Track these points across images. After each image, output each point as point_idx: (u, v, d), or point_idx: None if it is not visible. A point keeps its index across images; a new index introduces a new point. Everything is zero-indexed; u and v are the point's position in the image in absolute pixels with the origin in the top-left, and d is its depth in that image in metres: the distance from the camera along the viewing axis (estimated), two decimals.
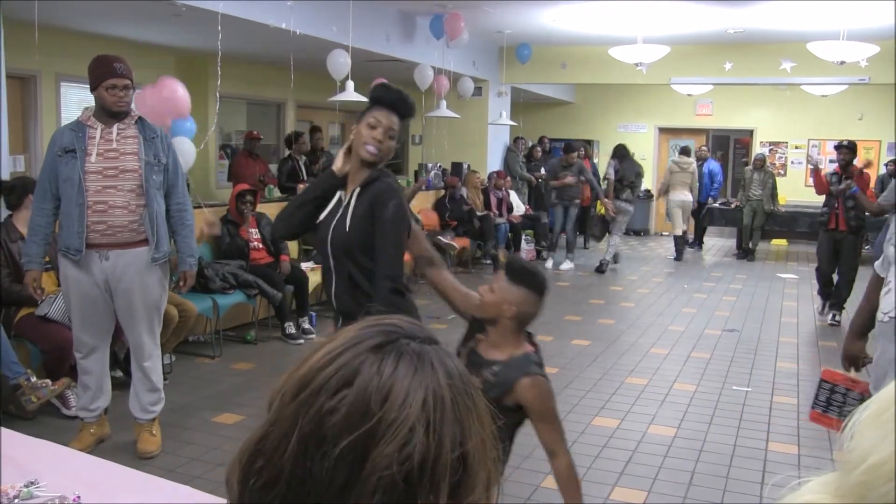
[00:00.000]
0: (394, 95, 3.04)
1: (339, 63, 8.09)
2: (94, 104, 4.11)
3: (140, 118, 4.17)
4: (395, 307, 2.80)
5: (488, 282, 2.59)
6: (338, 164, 3.04)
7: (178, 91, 6.05)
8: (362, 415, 0.79)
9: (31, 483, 2.06)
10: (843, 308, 8.12)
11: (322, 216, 3.04)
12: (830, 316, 8.14)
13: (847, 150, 8.06)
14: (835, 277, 8.27)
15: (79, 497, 1.99)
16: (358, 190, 2.99)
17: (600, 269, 11.13)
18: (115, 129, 4.05)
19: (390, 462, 0.77)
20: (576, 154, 11.32)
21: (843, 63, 9.30)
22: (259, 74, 11.14)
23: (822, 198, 8.47)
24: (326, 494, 0.78)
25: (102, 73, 4.02)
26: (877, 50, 9.20)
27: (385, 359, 0.83)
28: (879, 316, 2.66)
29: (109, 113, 4.04)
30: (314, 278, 7.41)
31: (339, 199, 3.04)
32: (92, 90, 4.06)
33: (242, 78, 11.00)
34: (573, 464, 2.43)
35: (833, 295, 8.20)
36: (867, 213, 7.94)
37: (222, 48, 7.27)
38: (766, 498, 3.93)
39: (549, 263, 11.29)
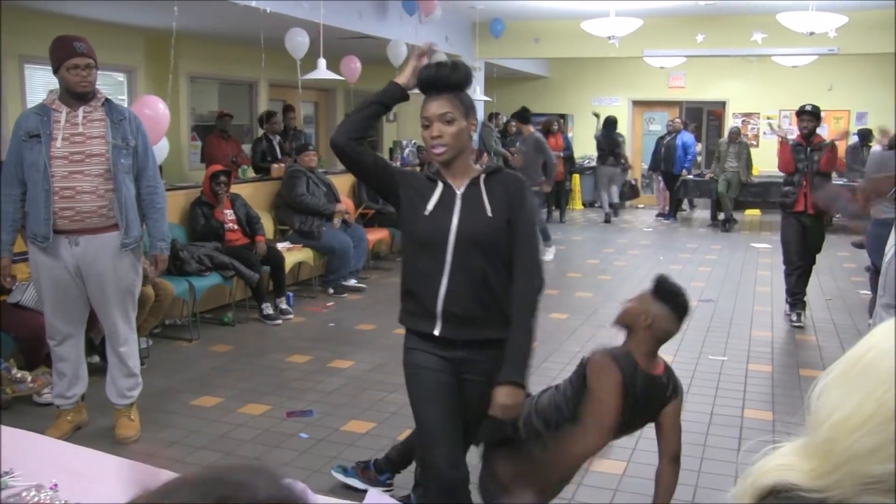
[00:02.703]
0: (424, 77, 2.67)
1: (298, 42, 8.03)
2: (59, 87, 4.05)
3: (107, 100, 4.11)
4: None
5: None
6: (403, 79, 2.74)
7: (160, 109, 5.94)
8: None
9: (7, 473, 2.04)
10: (806, 305, 7.05)
11: (429, 208, 2.65)
12: (795, 316, 6.91)
13: (811, 115, 6.79)
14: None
15: (56, 485, 1.97)
16: (483, 178, 2.68)
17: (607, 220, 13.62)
18: (80, 112, 3.99)
19: None
20: (533, 127, 10.55)
21: (812, 34, 9.37)
22: (230, 54, 11.02)
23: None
24: None
25: (63, 53, 3.95)
26: (845, 21, 9.27)
27: None
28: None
29: (74, 95, 3.97)
30: (290, 259, 7.39)
31: (446, 193, 2.68)
32: (54, 72, 3.99)
33: (213, 58, 10.89)
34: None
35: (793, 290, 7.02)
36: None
37: (192, 27, 7.20)
38: (741, 463, 3.97)
39: None
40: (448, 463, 2.68)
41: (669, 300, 2.73)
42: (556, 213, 13.77)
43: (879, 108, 13.87)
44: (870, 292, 6.80)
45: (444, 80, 2.63)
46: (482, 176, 2.68)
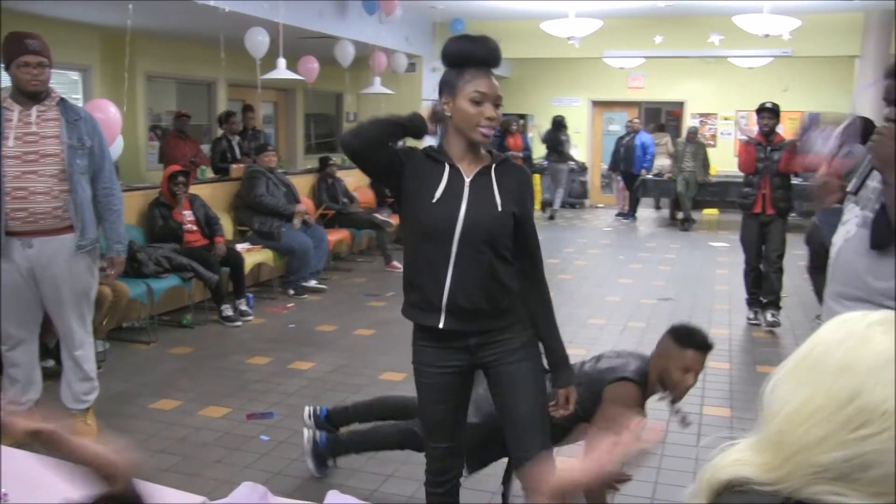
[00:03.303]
0: (486, 49, 2.50)
1: (258, 41, 7.97)
2: (11, 84, 3.97)
3: (62, 99, 4.04)
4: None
5: None
6: (431, 128, 2.57)
7: (111, 112, 5.85)
8: None
9: None
10: (780, 307, 6.91)
11: (436, 196, 2.50)
12: (768, 316, 6.78)
13: (771, 113, 6.73)
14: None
15: (6, 495, 1.93)
16: (494, 168, 2.56)
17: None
18: (34, 111, 3.92)
19: None
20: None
21: (767, 36, 9.53)
22: (188, 53, 10.90)
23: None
24: None
25: (14, 50, 3.87)
26: (799, 23, 9.44)
27: None
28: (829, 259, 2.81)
29: (26, 93, 3.90)
30: (250, 259, 7.33)
31: (453, 179, 2.54)
32: (6, 69, 3.92)
33: (171, 57, 10.76)
34: None
35: (765, 291, 6.88)
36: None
37: (149, 26, 7.11)
38: (699, 459, 4.01)
39: None
40: (443, 458, 2.75)
41: (680, 337, 2.99)
42: None
43: (834, 110, 14.10)
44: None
45: (494, 58, 2.51)
46: (493, 165, 2.57)
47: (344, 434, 3.86)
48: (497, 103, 2.48)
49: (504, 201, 2.53)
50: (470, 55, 2.48)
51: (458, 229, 2.49)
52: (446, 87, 2.51)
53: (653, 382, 3.02)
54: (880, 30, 10.59)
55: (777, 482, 0.92)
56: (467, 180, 2.53)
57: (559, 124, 14.33)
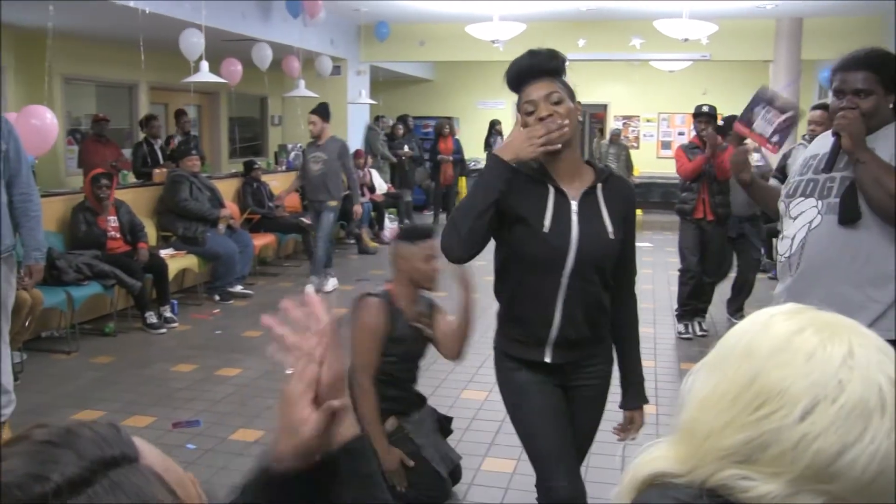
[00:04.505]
0: (517, 68, 2.39)
1: (192, 43, 7.84)
2: None
3: None
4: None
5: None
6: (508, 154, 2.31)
7: (47, 119, 5.68)
8: None
9: None
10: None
11: (546, 225, 2.30)
12: (682, 327, 6.71)
13: (708, 117, 6.45)
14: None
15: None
16: (600, 187, 2.38)
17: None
18: None
19: None
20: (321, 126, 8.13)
21: (686, 40, 9.78)
22: (107, 55, 10.65)
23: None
24: None
25: None
26: (716, 28, 9.71)
27: None
28: (776, 256, 2.89)
29: None
30: (174, 265, 7.21)
31: (559, 203, 2.34)
32: None
33: (90, 59, 10.51)
34: None
35: (705, 298, 6.77)
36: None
37: (67, 26, 6.92)
38: (626, 457, 4.09)
39: (310, 287, 7.94)
40: (569, 480, 2.47)
41: (408, 237, 3.22)
42: (442, 216, 13.86)
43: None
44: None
45: (540, 67, 2.36)
46: (599, 185, 2.39)
47: None
48: (553, 100, 2.28)
49: (615, 227, 2.37)
50: (517, 72, 2.39)
51: (570, 261, 2.32)
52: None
53: (404, 289, 3.23)
54: (790, 36, 10.98)
55: (690, 471, 0.95)
56: (574, 204, 2.34)
57: (491, 126, 14.35)
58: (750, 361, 0.93)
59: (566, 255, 2.31)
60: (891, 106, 2.64)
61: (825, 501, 0.86)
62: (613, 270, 2.43)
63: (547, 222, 2.30)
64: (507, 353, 2.51)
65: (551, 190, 2.34)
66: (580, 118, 2.38)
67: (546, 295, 2.36)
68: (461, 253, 2.30)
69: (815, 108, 6.10)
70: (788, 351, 0.91)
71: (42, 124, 5.65)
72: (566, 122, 2.27)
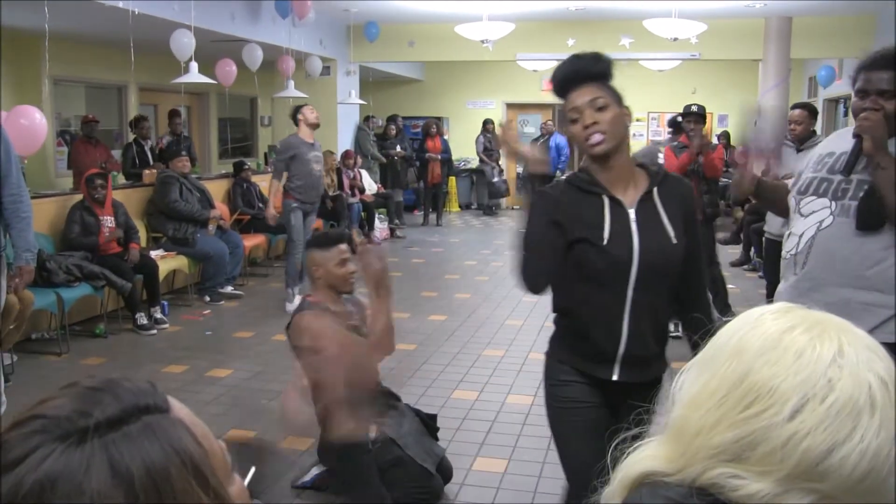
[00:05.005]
0: (563, 73, 2.33)
1: (183, 43, 7.83)
2: None
3: None
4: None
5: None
6: (536, 166, 2.39)
7: (36, 119, 5.66)
8: None
9: None
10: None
11: (605, 237, 2.23)
12: (672, 326, 6.42)
13: (697, 116, 6.44)
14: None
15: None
16: (656, 191, 2.30)
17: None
18: None
19: None
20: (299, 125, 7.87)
21: (675, 39, 9.83)
22: (98, 56, 10.63)
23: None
24: None
25: None
26: (705, 28, 9.76)
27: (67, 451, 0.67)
28: (783, 253, 2.85)
29: None
30: (164, 266, 7.20)
31: (616, 212, 2.26)
32: None
33: (80, 60, 10.47)
34: None
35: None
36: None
37: (56, 28, 6.90)
38: (612, 456, 4.10)
39: (289, 306, 7.30)
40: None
41: (320, 243, 3.36)
42: (432, 216, 13.89)
43: (741, 111, 14.56)
44: (733, 285, 7.14)
45: (585, 72, 2.29)
46: (655, 189, 2.30)
47: None
48: (598, 106, 2.24)
49: (676, 230, 2.28)
50: (563, 78, 2.33)
51: (634, 273, 2.24)
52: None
53: (325, 295, 3.36)
54: (780, 35, 11.02)
55: (681, 470, 0.95)
56: (631, 212, 2.27)
57: (485, 126, 14.57)
58: (740, 359, 0.94)
59: (629, 268, 2.24)
60: None
61: (815, 500, 0.87)
62: (682, 274, 2.35)
63: (605, 234, 2.23)
64: (572, 364, 2.41)
65: (606, 200, 2.27)
66: (628, 122, 2.33)
67: (612, 310, 2.28)
68: (541, 283, 2.39)
69: (795, 107, 6.12)
70: (778, 349, 0.92)
71: (31, 124, 5.64)
72: (605, 132, 2.23)
